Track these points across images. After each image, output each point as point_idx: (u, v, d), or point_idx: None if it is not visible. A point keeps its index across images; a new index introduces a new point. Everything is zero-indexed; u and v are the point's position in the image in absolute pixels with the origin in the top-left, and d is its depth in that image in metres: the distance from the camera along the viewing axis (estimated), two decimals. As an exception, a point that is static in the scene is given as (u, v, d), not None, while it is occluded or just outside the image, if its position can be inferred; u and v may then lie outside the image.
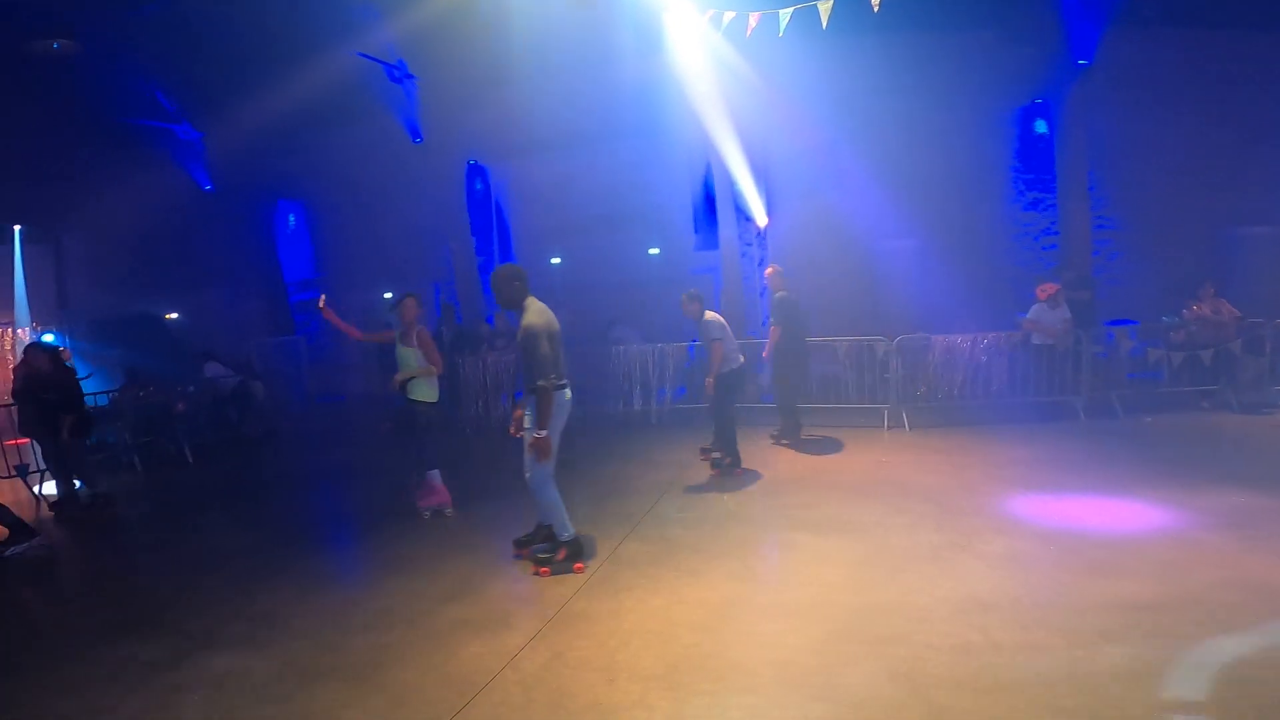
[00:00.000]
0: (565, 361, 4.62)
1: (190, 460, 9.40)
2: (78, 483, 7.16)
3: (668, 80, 10.32)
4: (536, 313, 4.47)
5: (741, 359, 7.10)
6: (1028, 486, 5.94)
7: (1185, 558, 4.31)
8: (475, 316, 12.65)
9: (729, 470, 6.90)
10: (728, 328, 6.97)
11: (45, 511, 7.18)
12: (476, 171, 13.84)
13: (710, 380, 6.82)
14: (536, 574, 4.48)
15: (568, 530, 4.59)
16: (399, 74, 12.34)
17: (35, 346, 7.37)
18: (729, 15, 7.74)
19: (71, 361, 10.02)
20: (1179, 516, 5.04)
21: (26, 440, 7.99)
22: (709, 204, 12.12)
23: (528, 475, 4.58)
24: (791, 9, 7.24)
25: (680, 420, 9.66)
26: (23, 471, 7.78)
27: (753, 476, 6.82)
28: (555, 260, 13.69)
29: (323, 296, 5.89)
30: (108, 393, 9.91)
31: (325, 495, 7.68)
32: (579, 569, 4.53)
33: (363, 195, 14.43)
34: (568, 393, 4.62)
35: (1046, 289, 8.65)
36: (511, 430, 4.76)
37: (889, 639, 3.53)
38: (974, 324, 9.25)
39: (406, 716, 3.06)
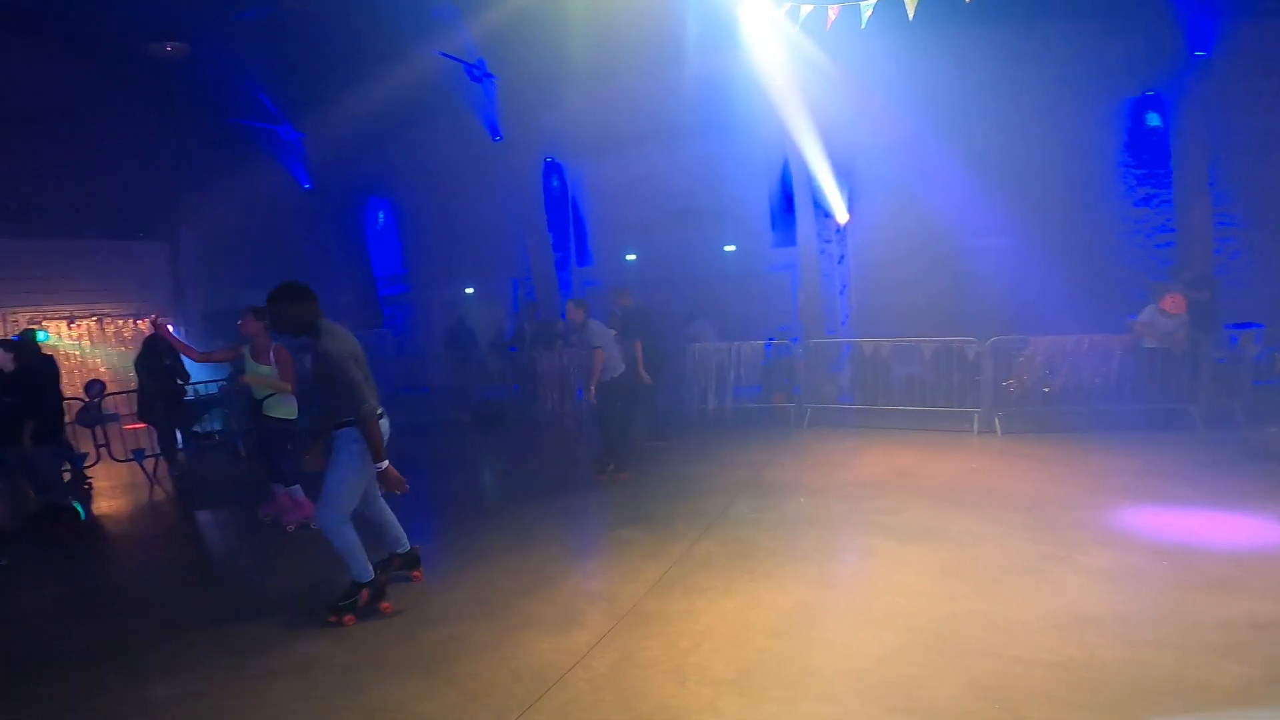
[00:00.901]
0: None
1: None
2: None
3: (744, 75, 10.16)
4: (336, 337, 3.93)
5: (623, 367, 7.07)
6: (1137, 497, 5.50)
7: (1316, 578, 3.89)
8: (552, 313, 12.84)
9: (614, 476, 6.87)
10: (610, 336, 6.95)
11: (158, 494, 7.73)
12: (553, 169, 14.06)
13: (592, 388, 6.76)
14: (340, 623, 4.00)
15: (367, 572, 4.11)
16: (478, 73, 12.67)
17: None
18: (806, 8, 7.52)
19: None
20: (1310, 535, 4.56)
21: (144, 425, 8.64)
22: (786, 200, 11.87)
23: (319, 520, 4.08)
24: (874, 0, 6.96)
25: (757, 419, 9.51)
26: (139, 455, 8.41)
27: (831, 479, 6.62)
28: (630, 257, 13.74)
29: (155, 314, 5.80)
30: (217, 381, 10.61)
31: (410, 484, 7.96)
32: (387, 609, 4.13)
33: (445, 193, 14.93)
34: (386, 422, 4.11)
35: (1171, 300, 7.93)
36: (309, 465, 4.24)
37: (977, 651, 3.34)
38: (1076, 325, 8.68)
39: (477, 711, 3.09)
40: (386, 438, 4.07)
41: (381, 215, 16.75)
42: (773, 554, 4.76)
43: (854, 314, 11.42)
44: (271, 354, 5.65)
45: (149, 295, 14.97)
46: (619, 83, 11.91)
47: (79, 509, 6.73)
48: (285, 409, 5.75)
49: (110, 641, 3.97)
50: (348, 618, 4.03)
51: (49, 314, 13.47)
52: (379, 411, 3.95)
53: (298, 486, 5.92)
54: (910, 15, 6.63)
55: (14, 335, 11.40)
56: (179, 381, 8.70)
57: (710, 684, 3.20)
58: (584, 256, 14.43)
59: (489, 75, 12.76)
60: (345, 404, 3.87)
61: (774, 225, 12.53)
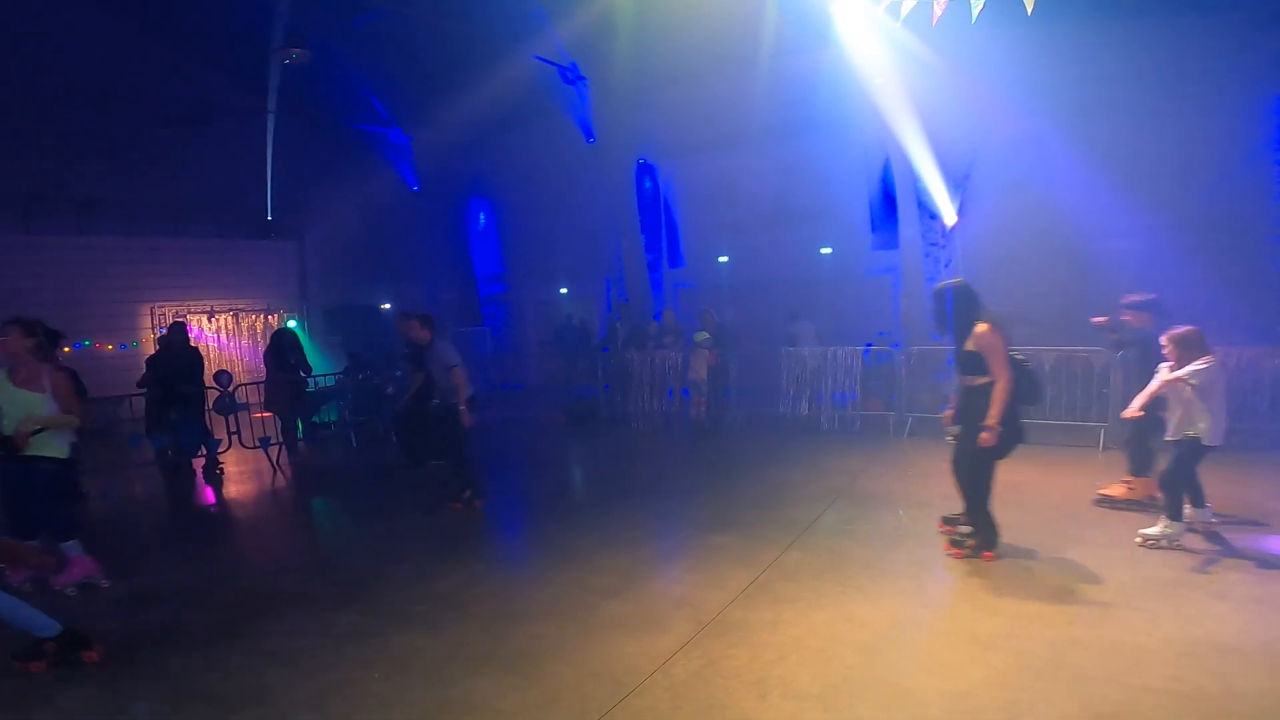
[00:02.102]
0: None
1: (394, 440, 10.42)
2: None
3: (841, 73, 9.80)
4: None
5: (470, 390, 6.57)
6: (1293, 527, 4.89)
7: None
8: (644, 314, 12.90)
9: (471, 503, 6.42)
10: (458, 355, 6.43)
11: (279, 481, 8.31)
12: (646, 170, 14.11)
13: (464, 410, 6.25)
14: (28, 670, 3.56)
15: (49, 625, 3.58)
16: (572, 76, 12.91)
17: None
18: (909, 3, 7.15)
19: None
20: None
21: (271, 414, 9.33)
22: (887, 201, 11.39)
23: None
24: None
25: (852, 427, 9.17)
26: (265, 443, 9.06)
27: (933, 491, 6.24)
28: (722, 259, 13.60)
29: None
30: (334, 374, 11.34)
31: (505, 479, 8.20)
32: (93, 658, 3.66)
33: (542, 194, 15.33)
34: None
35: None
36: None
37: (1095, 679, 3.09)
38: (1221, 336, 7.83)
39: (555, 712, 3.10)
40: None
41: (483, 216, 17.39)
42: (867, 567, 4.56)
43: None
44: (46, 379, 4.51)
45: (279, 292, 16.19)
46: (711, 83, 11.82)
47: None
48: (57, 447, 4.57)
49: (230, 623, 4.18)
50: (34, 665, 3.58)
51: (193, 308, 14.81)
52: None
53: (75, 542, 4.82)
54: (1029, 9, 6.18)
55: (162, 328, 12.73)
56: (302, 375, 9.34)
57: (793, 698, 3.08)
58: (676, 258, 14.42)
59: (582, 78, 12.98)
60: None
61: (874, 227, 12.06)
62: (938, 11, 7.01)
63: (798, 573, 4.51)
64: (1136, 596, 3.92)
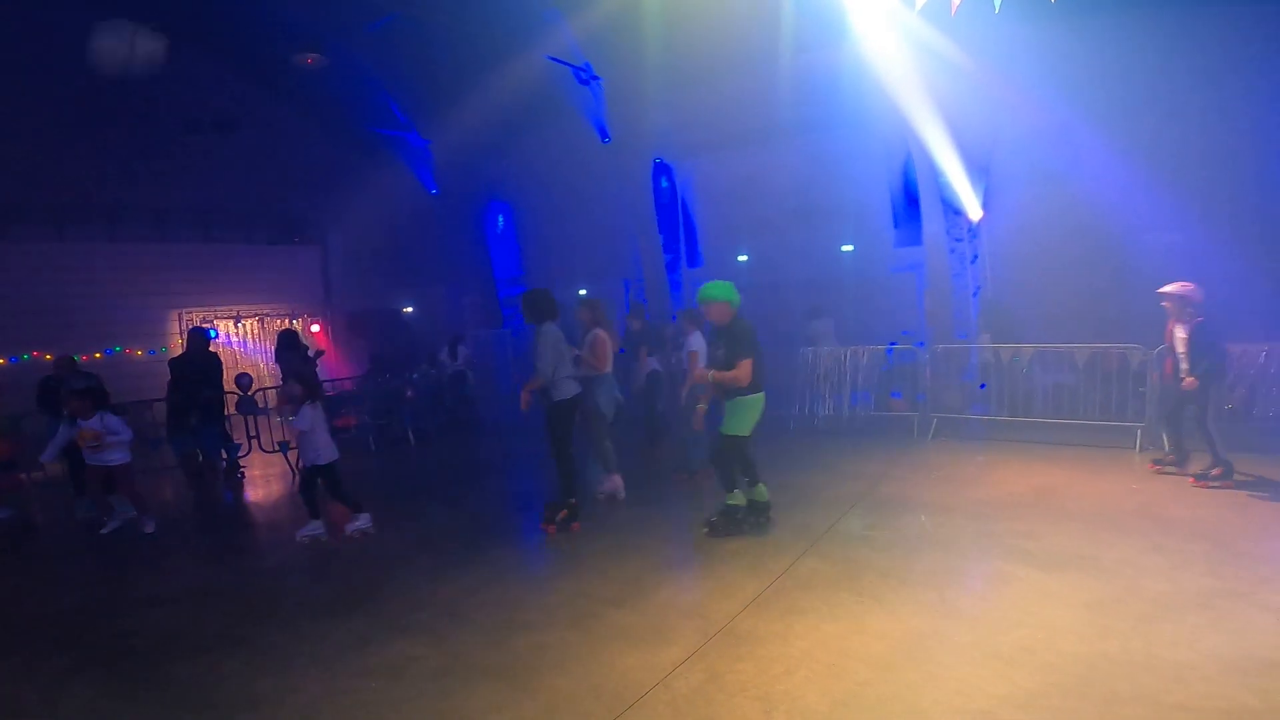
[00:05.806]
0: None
1: (412, 443, 10.42)
2: None
3: (859, 68, 9.54)
4: None
5: None
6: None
7: None
8: (661, 315, 12.74)
9: None
10: None
11: (295, 486, 8.27)
12: (662, 169, 13.95)
13: None
14: None
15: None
16: (586, 76, 12.79)
17: None
18: None
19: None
20: None
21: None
22: (909, 197, 11.11)
23: None
24: None
25: (875, 429, 8.91)
26: (284, 447, 9.07)
27: (958, 496, 6.01)
28: (742, 258, 13.39)
29: None
30: (354, 378, 11.36)
31: (519, 484, 8.11)
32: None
33: (559, 195, 15.24)
34: None
35: None
36: None
37: (1128, 698, 2.89)
38: (1263, 331, 7.46)
39: (552, 726, 2.97)
40: None
41: (501, 218, 17.38)
42: (885, 576, 4.35)
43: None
44: None
45: (304, 297, 16.34)
46: (727, 80, 11.62)
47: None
48: None
49: (231, 628, 4.13)
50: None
51: (220, 314, 15.01)
52: None
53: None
54: None
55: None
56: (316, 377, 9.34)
57: (800, 715, 2.92)
58: (694, 258, 14.24)
59: (596, 78, 12.87)
60: None
61: (896, 223, 11.77)
62: (955, 1, 6.77)
63: (811, 582, 4.32)
64: (1176, 609, 3.68)
